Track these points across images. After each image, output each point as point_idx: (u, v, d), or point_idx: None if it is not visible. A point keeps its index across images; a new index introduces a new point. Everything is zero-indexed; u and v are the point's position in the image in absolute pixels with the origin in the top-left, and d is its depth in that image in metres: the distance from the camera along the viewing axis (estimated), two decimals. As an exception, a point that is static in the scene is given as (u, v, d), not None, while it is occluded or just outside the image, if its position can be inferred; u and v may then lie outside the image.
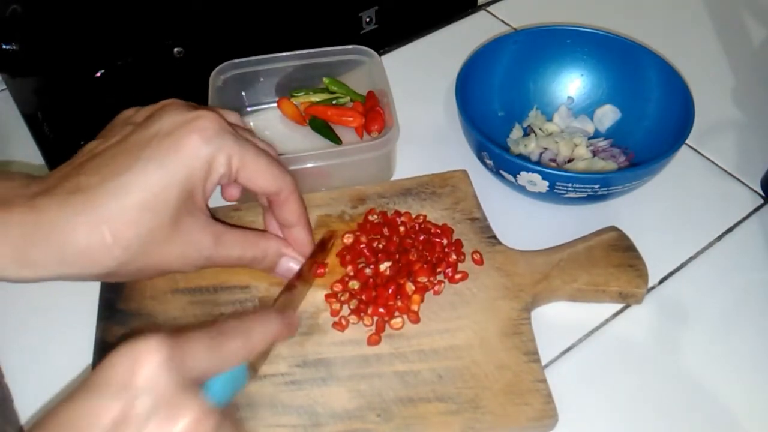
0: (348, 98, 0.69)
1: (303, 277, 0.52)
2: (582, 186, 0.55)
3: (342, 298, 0.53)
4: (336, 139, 0.67)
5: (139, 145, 0.43)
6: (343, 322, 0.52)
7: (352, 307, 0.53)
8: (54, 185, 0.42)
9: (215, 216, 0.47)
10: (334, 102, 0.69)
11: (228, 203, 0.56)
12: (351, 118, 0.67)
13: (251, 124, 0.70)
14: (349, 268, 0.55)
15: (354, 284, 0.53)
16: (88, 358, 0.52)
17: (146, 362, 0.33)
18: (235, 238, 0.48)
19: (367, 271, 0.54)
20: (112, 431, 0.31)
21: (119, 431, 0.31)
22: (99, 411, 0.32)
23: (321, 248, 0.54)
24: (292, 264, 0.52)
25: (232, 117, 0.49)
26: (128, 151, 0.43)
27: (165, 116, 0.44)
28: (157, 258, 0.43)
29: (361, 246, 0.55)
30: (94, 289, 0.55)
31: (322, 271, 0.54)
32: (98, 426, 0.32)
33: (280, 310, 0.46)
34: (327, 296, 0.53)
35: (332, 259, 0.56)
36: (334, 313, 0.52)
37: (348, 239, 0.56)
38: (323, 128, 0.68)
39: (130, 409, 0.31)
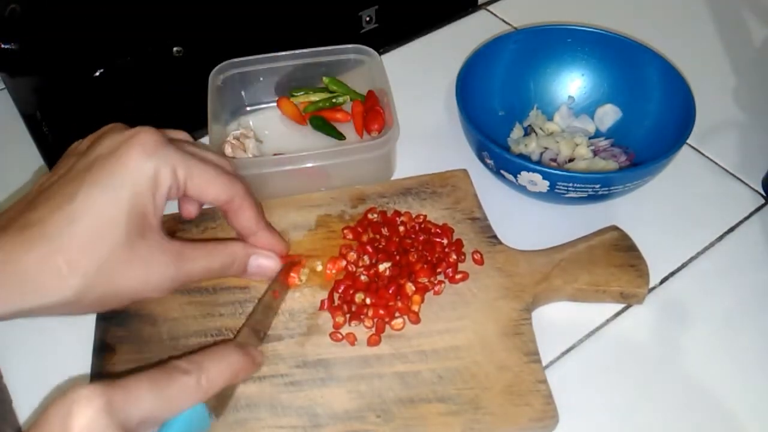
0: (345, 97, 0.69)
1: (277, 287, 0.52)
2: (583, 186, 0.55)
3: (344, 309, 0.53)
4: (338, 135, 0.67)
5: (82, 172, 0.42)
6: (340, 335, 0.52)
7: (354, 309, 0.52)
8: (6, 224, 0.41)
9: (174, 235, 0.46)
10: (333, 101, 0.69)
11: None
12: (340, 115, 0.68)
13: (251, 123, 0.70)
14: (350, 265, 0.55)
15: (360, 296, 0.53)
16: (87, 358, 0.51)
17: (80, 414, 0.33)
18: (197, 252, 0.47)
19: (364, 278, 0.54)
20: None
21: None
22: None
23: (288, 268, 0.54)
24: (261, 260, 0.51)
25: (180, 134, 0.49)
26: (73, 179, 0.42)
27: (105, 139, 0.44)
28: (119, 284, 0.42)
29: (365, 245, 0.55)
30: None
31: (294, 276, 0.54)
32: None
33: (240, 345, 0.45)
34: (331, 309, 0.53)
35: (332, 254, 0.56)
36: (336, 326, 0.52)
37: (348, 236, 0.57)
38: (324, 125, 0.68)
39: None
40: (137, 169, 0.42)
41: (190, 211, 0.50)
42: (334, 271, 0.55)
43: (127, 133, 0.44)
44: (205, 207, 0.52)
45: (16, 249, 0.40)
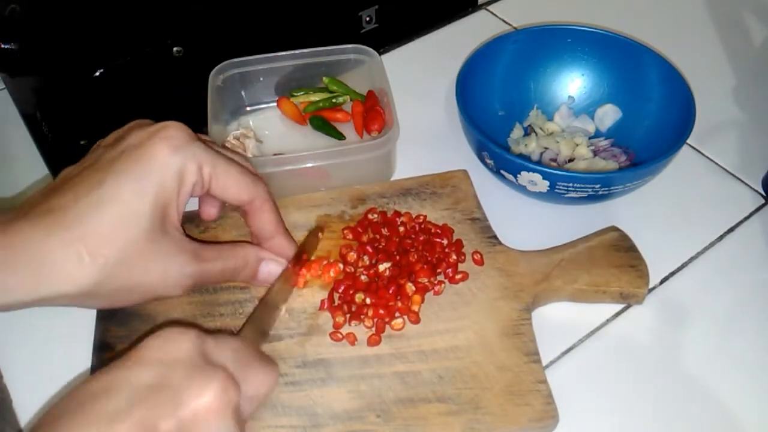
0: (345, 97, 0.69)
1: (284, 283, 0.51)
2: (583, 186, 0.55)
3: (344, 309, 0.53)
4: (338, 135, 0.67)
5: (109, 162, 0.42)
6: (340, 335, 0.52)
7: (354, 309, 0.52)
8: (28, 209, 0.41)
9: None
10: (333, 101, 0.69)
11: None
12: (340, 115, 0.68)
13: (251, 123, 0.70)
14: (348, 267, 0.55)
15: (360, 296, 0.53)
16: (87, 358, 0.51)
17: (179, 341, 0.37)
18: (213, 253, 0.47)
19: (364, 278, 0.54)
20: (147, 395, 0.34)
21: (153, 395, 0.34)
22: (134, 377, 0.35)
23: (308, 244, 0.54)
24: (272, 266, 0.51)
25: (203, 136, 0.49)
26: (99, 169, 0.42)
27: (132, 133, 0.44)
28: (137, 278, 0.42)
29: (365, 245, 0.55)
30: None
31: (302, 275, 0.54)
32: (134, 388, 0.34)
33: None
34: (331, 309, 0.53)
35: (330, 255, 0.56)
36: (336, 326, 0.52)
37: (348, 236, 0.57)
38: (324, 125, 0.68)
39: (164, 379, 0.35)
40: (164, 162, 0.42)
41: (211, 212, 0.50)
42: (332, 273, 0.55)
43: (155, 127, 0.44)
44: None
45: (37, 235, 0.40)
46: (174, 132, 0.43)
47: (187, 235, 0.46)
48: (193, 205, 0.60)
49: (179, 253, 0.44)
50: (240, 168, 0.47)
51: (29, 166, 0.67)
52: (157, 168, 0.42)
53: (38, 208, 0.41)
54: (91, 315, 0.53)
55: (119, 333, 0.52)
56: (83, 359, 0.52)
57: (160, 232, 0.43)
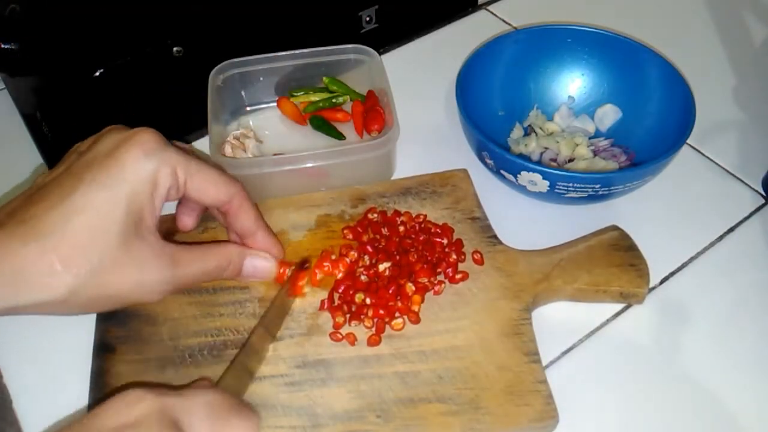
0: (345, 97, 0.69)
1: (282, 296, 0.52)
2: (583, 186, 0.55)
3: (344, 309, 0.53)
4: (338, 135, 0.67)
5: (81, 169, 0.42)
6: (340, 335, 0.52)
7: (354, 309, 0.52)
8: (3, 219, 0.41)
9: (173, 235, 0.46)
10: (333, 101, 0.69)
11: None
12: (340, 115, 0.68)
13: (251, 123, 0.70)
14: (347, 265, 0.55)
15: (360, 296, 0.53)
16: (86, 358, 0.51)
17: (137, 405, 0.37)
18: (192, 255, 0.47)
19: (363, 278, 0.54)
20: None
21: None
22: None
23: (299, 268, 0.54)
24: (257, 261, 0.51)
25: (177, 143, 0.49)
26: (70, 176, 0.42)
27: (105, 139, 0.44)
28: (112, 286, 0.42)
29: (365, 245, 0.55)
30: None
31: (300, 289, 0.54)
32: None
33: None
34: (331, 309, 0.53)
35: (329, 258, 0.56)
36: (336, 326, 0.52)
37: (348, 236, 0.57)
38: (324, 125, 0.68)
39: None
40: (136, 168, 0.42)
41: (188, 222, 0.51)
42: (341, 267, 0.55)
43: (127, 134, 0.44)
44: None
45: (12, 245, 0.40)
46: (146, 137, 0.43)
47: (176, 237, 0.46)
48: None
49: (155, 258, 0.44)
50: (214, 169, 0.47)
51: (29, 166, 0.67)
52: (129, 173, 0.42)
53: (12, 219, 0.41)
54: (91, 316, 0.53)
55: (119, 333, 0.52)
56: (83, 359, 0.52)
57: (135, 237, 0.42)
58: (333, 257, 0.55)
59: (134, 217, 0.42)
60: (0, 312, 0.40)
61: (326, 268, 0.55)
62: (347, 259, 0.55)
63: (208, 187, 0.46)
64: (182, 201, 0.50)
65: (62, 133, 0.64)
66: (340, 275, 0.54)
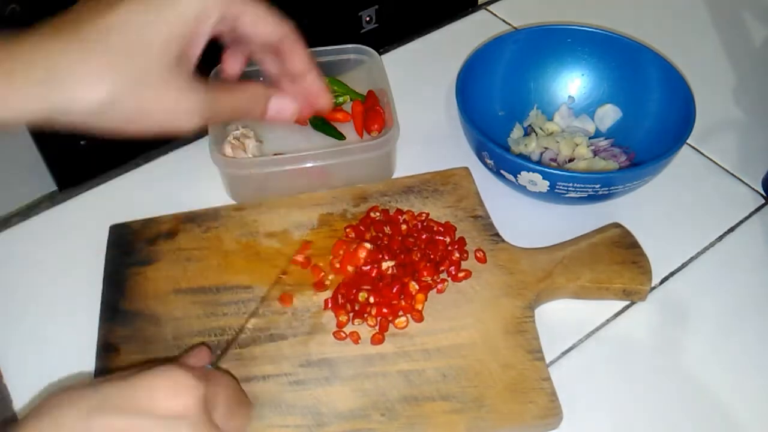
0: (345, 97, 0.69)
1: None
2: (583, 186, 0.55)
3: (348, 308, 0.53)
4: (338, 135, 0.67)
5: None
6: (344, 334, 0.52)
7: (357, 308, 0.53)
8: (44, 27, 0.40)
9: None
10: (333, 101, 0.69)
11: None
12: (340, 115, 0.68)
13: (251, 123, 0.69)
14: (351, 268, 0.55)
15: (363, 295, 0.53)
16: (87, 358, 0.51)
17: (186, 396, 0.38)
18: (225, 90, 0.46)
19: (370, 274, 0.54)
20: None
21: None
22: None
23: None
24: (282, 102, 0.49)
25: None
26: None
27: None
28: (150, 103, 0.41)
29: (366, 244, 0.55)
30: (94, 288, 0.55)
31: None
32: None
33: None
34: (334, 308, 0.53)
35: (329, 259, 0.56)
36: (339, 325, 0.52)
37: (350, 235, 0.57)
38: (324, 125, 0.68)
39: None
40: None
41: (234, 67, 0.50)
42: (362, 254, 0.55)
43: None
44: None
45: (52, 46, 0.39)
46: None
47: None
48: (193, 205, 0.60)
49: (192, 84, 0.43)
50: (267, 7, 0.46)
51: (29, 166, 0.67)
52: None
53: (55, 25, 0.40)
54: (91, 314, 0.53)
55: (123, 333, 0.52)
56: (83, 359, 0.52)
57: (175, 62, 0.42)
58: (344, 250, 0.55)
59: (178, 42, 0.41)
60: (35, 116, 0.39)
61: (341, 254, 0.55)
62: (366, 244, 0.55)
63: (262, 23, 0.45)
64: (230, 45, 0.49)
65: (62, 133, 0.64)
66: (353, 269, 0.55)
